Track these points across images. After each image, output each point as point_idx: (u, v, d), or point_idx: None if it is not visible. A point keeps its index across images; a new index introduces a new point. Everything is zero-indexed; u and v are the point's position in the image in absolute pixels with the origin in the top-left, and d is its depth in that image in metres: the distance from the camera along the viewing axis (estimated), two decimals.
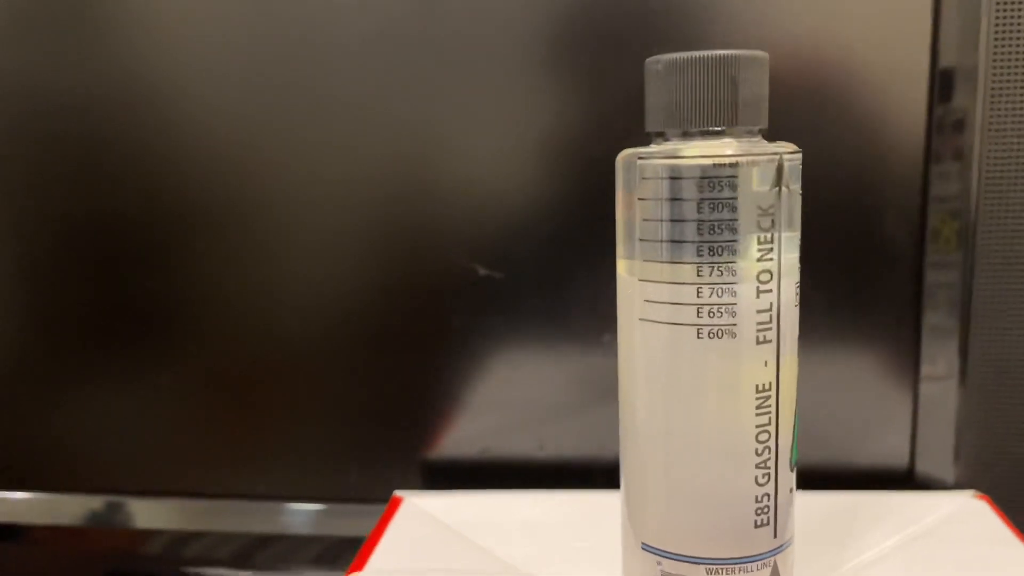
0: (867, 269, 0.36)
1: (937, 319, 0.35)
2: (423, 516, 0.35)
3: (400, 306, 0.38)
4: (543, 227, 0.37)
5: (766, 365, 0.20)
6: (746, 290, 0.20)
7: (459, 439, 0.39)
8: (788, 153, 0.20)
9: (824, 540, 0.31)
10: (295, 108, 0.37)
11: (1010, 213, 0.34)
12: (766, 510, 0.21)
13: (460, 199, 0.37)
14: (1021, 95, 0.33)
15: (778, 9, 0.34)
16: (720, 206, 0.20)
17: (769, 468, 0.21)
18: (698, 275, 0.20)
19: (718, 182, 0.20)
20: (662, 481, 0.21)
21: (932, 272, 0.35)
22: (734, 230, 0.20)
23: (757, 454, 0.21)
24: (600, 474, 0.39)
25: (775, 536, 0.21)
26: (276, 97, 0.37)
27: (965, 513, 0.33)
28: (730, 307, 0.20)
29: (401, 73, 0.36)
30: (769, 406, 0.21)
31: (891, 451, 0.36)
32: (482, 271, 0.37)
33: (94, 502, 0.42)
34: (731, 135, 0.20)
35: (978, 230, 0.34)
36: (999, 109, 0.33)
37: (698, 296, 0.20)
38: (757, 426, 0.21)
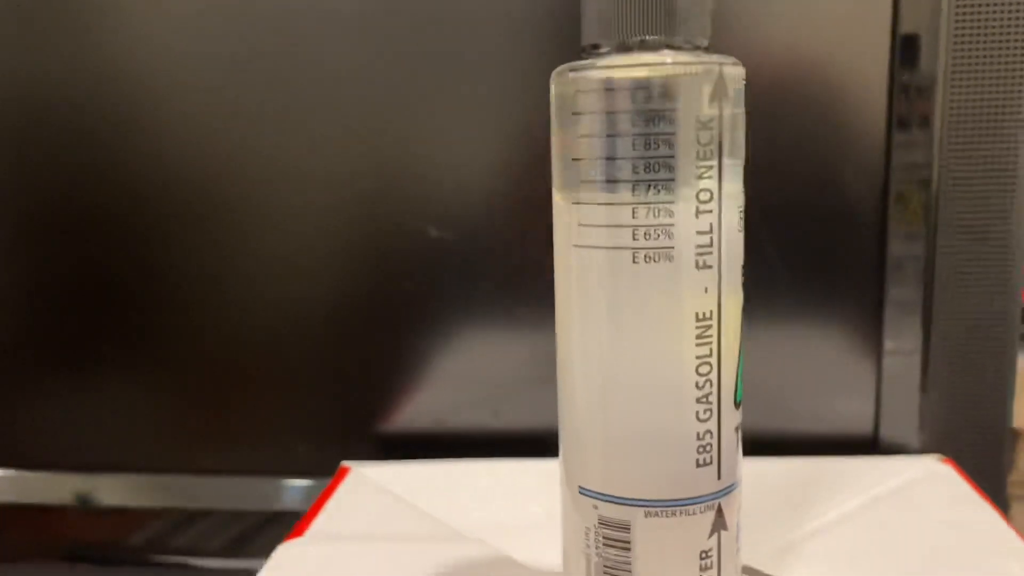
0: (831, 239, 0.35)
1: (901, 288, 0.34)
2: (370, 484, 0.34)
3: (354, 275, 0.37)
4: (501, 196, 0.36)
5: (706, 292, 0.19)
6: (684, 211, 0.19)
7: (413, 410, 0.38)
8: (730, 66, 0.19)
9: (787, 504, 0.30)
10: (270, 97, 0.36)
11: (973, 183, 0.33)
12: (708, 448, 0.20)
13: (416, 164, 0.36)
14: (982, 62, 0.32)
15: None
16: (657, 119, 0.19)
17: (711, 403, 0.20)
18: (633, 194, 0.19)
19: (655, 93, 0.19)
20: (597, 418, 0.20)
21: (895, 242, 0.34)
22: (671, 145, 0.19)
23: (698, 387, 0.19)
24: (556, 444, 0.37)
25: (719, 477, 0.20)
26: (252, 86, 0.36)
27: (931, 476, 0.32)
28: (667, 228, 0.19)
29: (369, 56, 0.35)
30: (710, 336, 0.19)
31: (855, 418, 0.35)
32: (434, 233, 0.36)
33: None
34: (671, 47, 0.19)
35: (940, 201, 0.33)
36: (961, 76, 0.32)
37: (633, 217, 0.19)
38: (697, 357, 0.19)
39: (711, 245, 0.19)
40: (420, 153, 0.36)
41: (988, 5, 0.32)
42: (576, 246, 0.20)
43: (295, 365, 0.38)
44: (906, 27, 0.33)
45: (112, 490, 0.40)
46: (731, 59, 0.20)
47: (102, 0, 0.36)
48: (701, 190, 0.19)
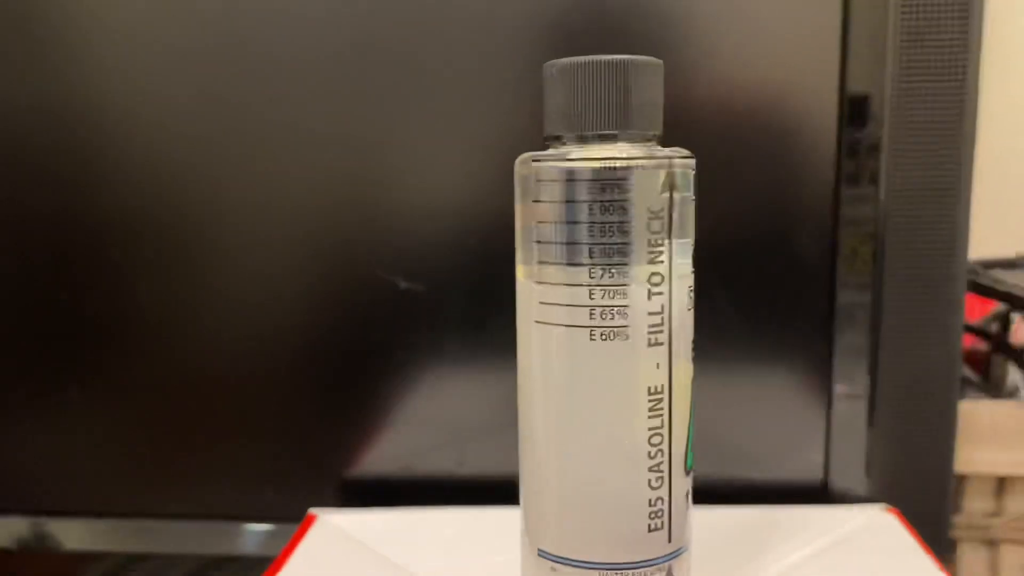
0: (782, 290, 0.36)
1: (849, 338, 0.36)
2: (337, 533, 0.34)
3: (321, 322, 0.38)
4: (467, 242, 0.37)
5: (658, 367, 0.21)
6: (637, 292, 0.20)
7: (380, 456, 0.39)
8: (680, 158, 0.21)
9: (737, 553, 0.31)
10: (240, 126, 0.36)
11: (916, 236, 0.35)
12: (660, 514, 0.21)
13: (386, 214, 0.37)
14: (925, 121, 0.34)
15: (692, 36, 0.35)
16: (611, 208, 0.20)
17: (662, 471, 0.21)
18: (590, 277, 0.20)
19: (609, 185, 0.20)
20: (556, 484, 0.21)
21: (843, 293, 0.36)
22: (625, 232, 0.20)
23: (650, 457, 0.21)
24: (519, 491, 0.38)
25: (669, 540, 0.21)
26: (220, 113, 0.36)
27: (874, 525, 0.33)
28: (621, 309, 0.20)
29: (342, 104, 0.36)
30: (661, 408, 0.21)
31: (806, 466, 0.37)
32: (403, 284, 0.37)
33: None
34: (625, 139, 0.21)
35: (886, 252, 0.35)
36: (904, 135, 0.34)
37: (590, 298, 0.20)
38: (650, 428, 0.21)
39: (662, 324, 0.21)
40: (390, 206, 0.37)
41: (930, 67, 0.34)
42: (537, 322, 0.21)
43: (261, 409, 0.39)
44: (853, 88, 0.35)
45: (67, 532, 0.41)
46: (681, 151, 0.21)
47: (71, 26, 0.36)
48: (653, 273, 0.20)
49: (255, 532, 0.40)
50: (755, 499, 0.36)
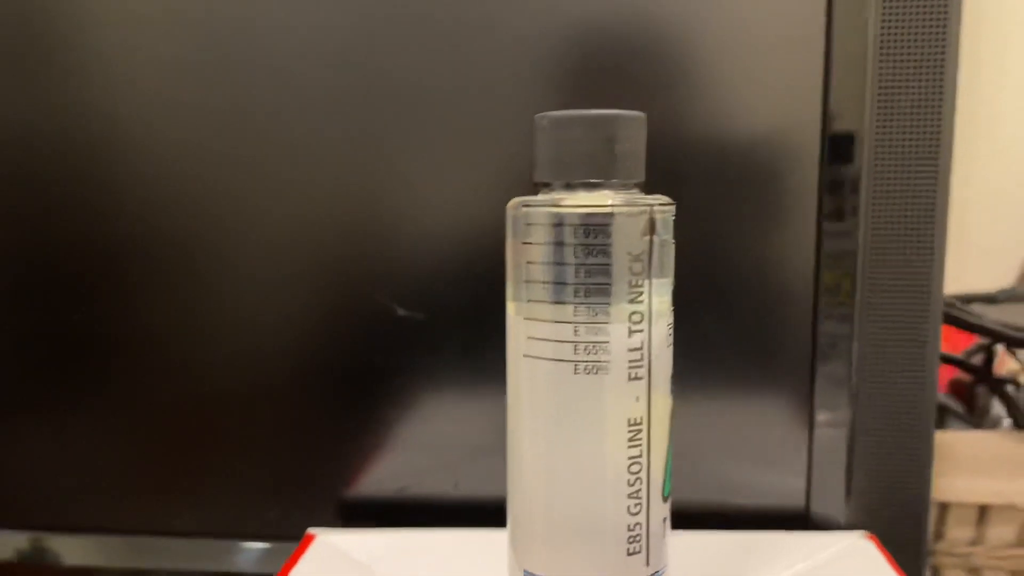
0: (767, 321, 0.38)
1: (830, 368, 0.37)
2: (335, 553, 0.36)
3: (322, 346, 0.39)
4: (465, 269, 0.38)
5: (637, 400, 0.22)
6: (618, 330, 0.22)
7: (378, 478, 0.40)
8: (660, 205, 0.22)
9: None
10: (246, 150, 0.38)
11: (894, 270, 0.36)
12: (638, 539, 0.22)
13: (386, 241, 0.38)
14: (903, 159, 0.36)
15: (680, 79, 0.36)
16: (595, 251, 0.21)
17: (641, 498, 0.22)
18: (575, 314, 0.22)
19: (594, 229, 0.22)
20: (541, 508, 0.23)
21: (825, 325, 0.37)
22: (607, 274, 0.22)
23: (629, 484, 0.22)
24: None
25: (647, 564, 0.23)
26: (225, 135, 0.38)
27: (852, 552, 0.34)
28: (603, 345, 0.22)
29: (344, 132, 0.37)
30: (641, 439, 0.22)
31: (789, 493, 0.38)
32: (401, 311, 0.38)
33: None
34: (609, 187, 0.22)
35: (865, 286, 0.36)
36: (883, 172, 0.36)
37: (575, 334, 0.22)
38: (629, 458, 0.22)
39: (642, 359, 0.22)
40: (391, 233, 0.38)
41: (907, 107, 0.36)
42: (525, 356, 0.23)
43: (262, 429, 0.40)
44: (835, 127, 0.36)
45: (70, 549, 0.42)
46: (661, 198, 0.23)
47: (73, 47, 0.38)
48: (633, 312, 0.22)
49: (254, 550, 0.41)
50: (739, 525, 0.37)
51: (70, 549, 0.42)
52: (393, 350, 0.39)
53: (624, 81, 0.36)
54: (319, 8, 0.37)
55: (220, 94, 0.38)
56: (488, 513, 0.40)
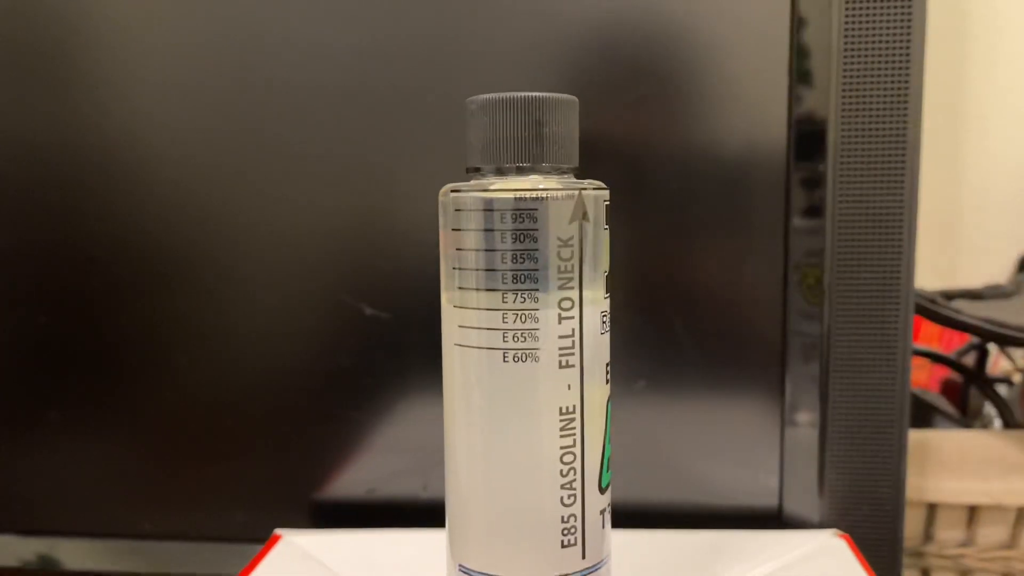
0: (736, 320, 0.37)
1: (801, 367, 0.36)
2: (299, 552, 0.35)
3: (291, 348, 0.39)
4: (432, 269, 0.38)
5: (569, 388, 0.22)
6: (547, 316, 0.21)
7: (347, 480, 0.40)
8: (591, 189, 0.22)
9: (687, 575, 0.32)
10: (249, 160, 0.38)
11: (863, 266, 0.36)
12: (573, 531, 0.22)
13: (353, 242, 0.38)
14: (869, 154, 0.35)
15: (649, 75, 0.36)
16: (523, 236, 0.21)
17: (575, 489, 0.22)
18: (503, 301, 0.21)
19: (522, 214, 0.21)
20: (474, 500, 0.22)
21: (795, 323, 0.36)
22: (535, 260, 0.21)
23: (562, 475, 0.22)
24: None
25: (584, 557, 0.22)
26: (232, 146, 0.38)
27: (824, 551, 0.34)
28: (533, 332, 0.21)
29: (325, 123, 0.37)
30: (573, 428, 0.22)
31: (762, 492, 0.37)
32: (368, 311, 0.38)
33: None
34: (539, 172, 0.22)
35: (834, 283, 0.36)
36: (850, 169, 0.35)
37: (503, 322, 0.21)
38: (561, 447, 0.22)
39: (573, 347, 0.22)
40: (360, 235, 0.38)
41: (874, 100, 0.35)
42: (457, 344, 0.22)
43: (235, 433, 0.40)
44: (801, 123, 0.36)
45: (68, 553, 0.42)
46: (594, 183, 0.22)
47: (87, 59, 0.38)
48: (563, 299, 0.21)
49: (222, 551, 0.41)
50: (712, 524, 0.36)
51: (65, 552, 0.42)
52: (362, 351, 0.39)
53: (598, 82, 0.36)
54: (323, 24, 0.37)
55: (223, 109, 0.38)
56: None
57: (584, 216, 0.21)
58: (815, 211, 0.36)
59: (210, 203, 0.38)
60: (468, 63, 0.37)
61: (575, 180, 0.23)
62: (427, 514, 0.39)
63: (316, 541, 0.36)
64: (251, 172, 0.38)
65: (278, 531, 0.37)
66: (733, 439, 0.37)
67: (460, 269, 0.22)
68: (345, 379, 0.39)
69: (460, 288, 0.22)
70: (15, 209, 0.40)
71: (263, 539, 0.38)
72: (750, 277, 0.37)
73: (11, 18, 0.39)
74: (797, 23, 0.35)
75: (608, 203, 0.23)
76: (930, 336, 0.57)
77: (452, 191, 0.22)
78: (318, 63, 0.37)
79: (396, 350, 0.38)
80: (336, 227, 0.38)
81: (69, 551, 0.42)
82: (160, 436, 0.40)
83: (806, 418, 0.36)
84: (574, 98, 0.22)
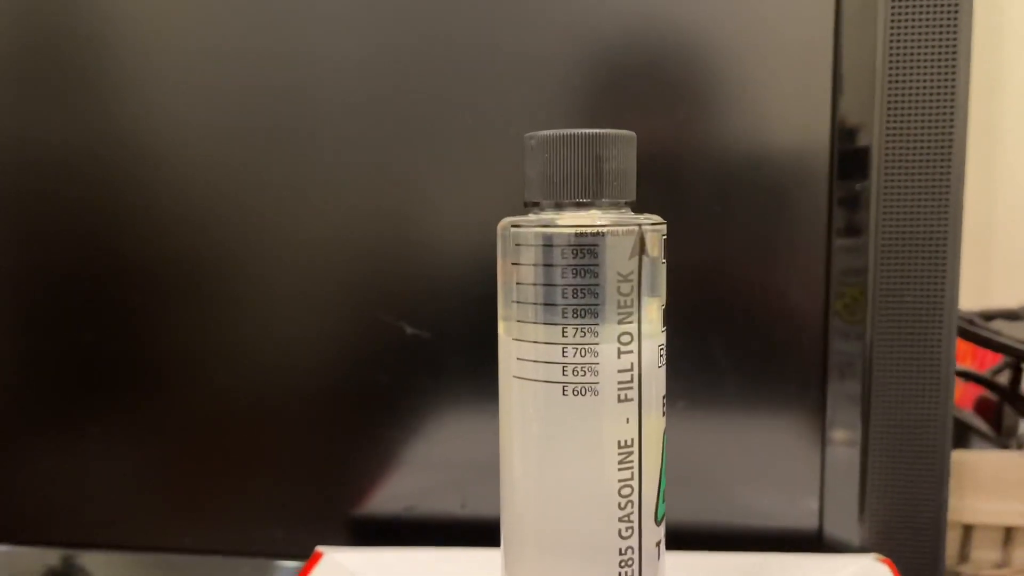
0: (777, 340, 0.37)
1: (842, 387, 0.36)
2: (341, 570, 0.36)
3: (332, 366, 0.40)
4: (472, 288, 0.38)
5: (628, 422, 0.22)
6: (607, 351, 0.21)
7: (385, 497, 0.40)
8: (649, 224, 0.22)
9: None
10: (292, 179, 0.38)
11: (906, 286, 0.36)
12: (630, 563, 0.22)
13: (393, 259, 0.39)
14: (913, 174, 0.35)
15: (691, 96, 0.36)
16: (583, 272, 0.21)
17: (632, 521, 0.22)
18: (563, 336, 0.22)
19: (582, 250, 0.21)
20: (532, 529, 0.22)
21: (836, 342, 0.36)
22: (596, 295, 0.21)
23: (620, 508, 0.22)
24: None
25: None
26: (276, 165, 0.38)
27: (866, 575, 0.34)
28: (592, 366, 0.21)
29: (362, 151, 0.38)
30: (631, 461, 0.22)
31: (802, 514, 0.37)
32: (410, 330, 0.39)
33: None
34: (598, 207, 0.22)
35: (877, 303, 0.36)
36: (893, 190, 0.35)
37: (563, 356, 0.22)
38: (620, 480, 0.22)
39: (632, 381, 0.22)
40: (399, 254, 0.39)
41: (918, 122, 0.35)
42: (515, 377, 0.23)
43: (274, 449, 0.40)
44: (844, 142, 0.36)
45: (97, 566, 0.42)
46: (652, 218, 0.22)
47: (101, 69, 0.39)
48: (622, 333, 0.22)
49: (262, 567, 0.41)
50: (752, 546, 0.36)
51: (94, 565, 0.42)
52: (401, 369, 0.39)
53: (636, 100, 0.36)
54: (344, 35, 0.37)
55: (246, 120, 0.38)
56: (495, 532, 0.39)
57: (643, 251, 0.22)
58: (857, 230, 0.36)
59: (253, 221, 0.39)
60: (508, 77, 0.37)
61: (632, 214, 0.23)
62: (465, 531, 0.39)
63: (358, 559, 0.36)
64: (294, 191, 0.38)
65: (319, 548, 0.37)
66: (774, 461, 0.37)
67: (519, 303, 0.22)
68: (384, 396, 0.39)
69: (519, 321, 0.22)
70: (41, 221, 0.40)
71: (300, 555, 0.39)
72: (791, 296, 0.37)
73: (41, 32, 0.39)
74: (840, 37, 0.35)
75: (665, 237, 0.23)
76: (964, 354, 0.57)
77: (513, 226, 0.22)
78: (356, 74, 0.37)
79: (435, 369, 0.39)
80: (376, 248, 0.39)
81: (109, 565, 0.42)
82: (200, 451, 0.41)
83: (847, 440, 0.36)
84: (632, 134, 0.23)
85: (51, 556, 0.42)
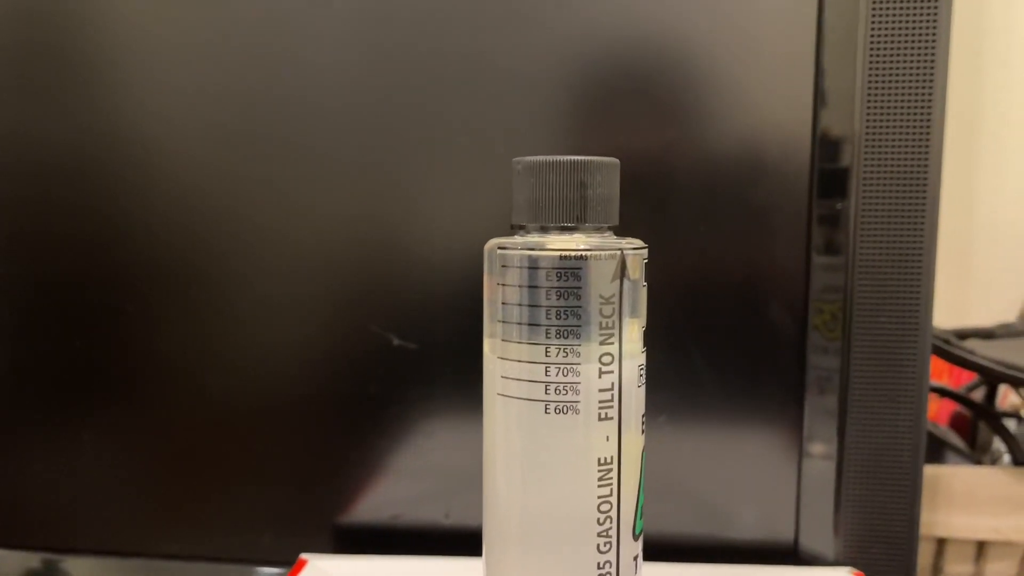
0: (756, 355, 0.38)
1: (819, 402, 0.37)
2: None
3: (318, 375, 0.40)
4: (459, 299, 0.39)
5: (608, 440, 0.22)
6: (589, 370, 0.22)
7: (370, 505, 0.40)
8: (631, 248, 0.23)
9: None
10: (284, 190, 0.39)
11: (883, 304, 0.36)
12: None
13: (380, 270, 0.39)
14: (891, 194, 0.36)
15: (671, 112, 0.37)
16: (567, 294, 0.22)
17: (611, 537, 0.23)
18: (546, 355, 0.22)
19: (566, 272, 0.22)
20: (514, 543, 0.23)
21: (814, 358, 0.37)
22: (579, 316, 0.22)
23: (599, 523, 0.22)
24: None
25: None
26: (267, 176, 0.39)
27: None
28: (574, 386, 0.22)
29: (353, 147, 0.38)
30: (611, 478, 0.22)
31: (778, 526, 0.38)
32: (396, 341, 0.39)
33: None
34: (582, 231, 0.23)
35: (854, 320, 0.37)
36: (870, 207, 0.36)
37: (546, 374, 0.22)
38: (599, 496, 0.22)
39: (612, 400, 0.22)
40: (389, 266, 0.39)
41: (895, 143, 0.36)
42: (499, 394, 0.23)
43: (260, 456, 0.41)
44: (824, 161, 0.37)
45: (81, 571, 0.42)
46: (633, 242, 0.23)
47: (96, 71, 0.39)
48: (604, 354, 0.22)
49: (251, 574, 0.41)
50: (728, 558, 0.37)
51: (81, 571, 0.42)
52: (388, 379, 0.39)
53: (620, 117, 0.37)
54: (336, 40, 0.38)
55: (237, 131, 0.39)
56: (478, 542, 0.40)
57: (625, 274, 0.22)
58: (836, 248, 0.37)
59: (243, 230, 0.39)
60: (500, 91, 0.37)
61: (615, 237, 0.23)
62: (449, 541, 0.40)
63: (341, 566, 0.37)
64: (285, 201, 0.39)
65: (304, 556, 0.38)
66: (751, 474, 0.38)
67: (504, 322, 0.23)
68: (371, 406, 0.40)
69: (504, 340, 0.23)
70: (29, 224, 0.40)
71: (285, 562, 0.39)
72: (771, 313, 0.37)
73: (34, 33, 0.39)
74: (821, 52, 0.36)
75: (646, 260, 0.24)
76: (940, 370, 0.58)
77: (500, 248, 0.23)
78: (350, 88, 0.38)
79: (421, 379, 0.39)
80: (365, 259, 0.39)
81: (93, 570, 0.42)
82: (186, 457, 0.41)
83: (823, 454, 0.37)
84: (616, 161, 0.23)
85: (33, 560, 0.43)
